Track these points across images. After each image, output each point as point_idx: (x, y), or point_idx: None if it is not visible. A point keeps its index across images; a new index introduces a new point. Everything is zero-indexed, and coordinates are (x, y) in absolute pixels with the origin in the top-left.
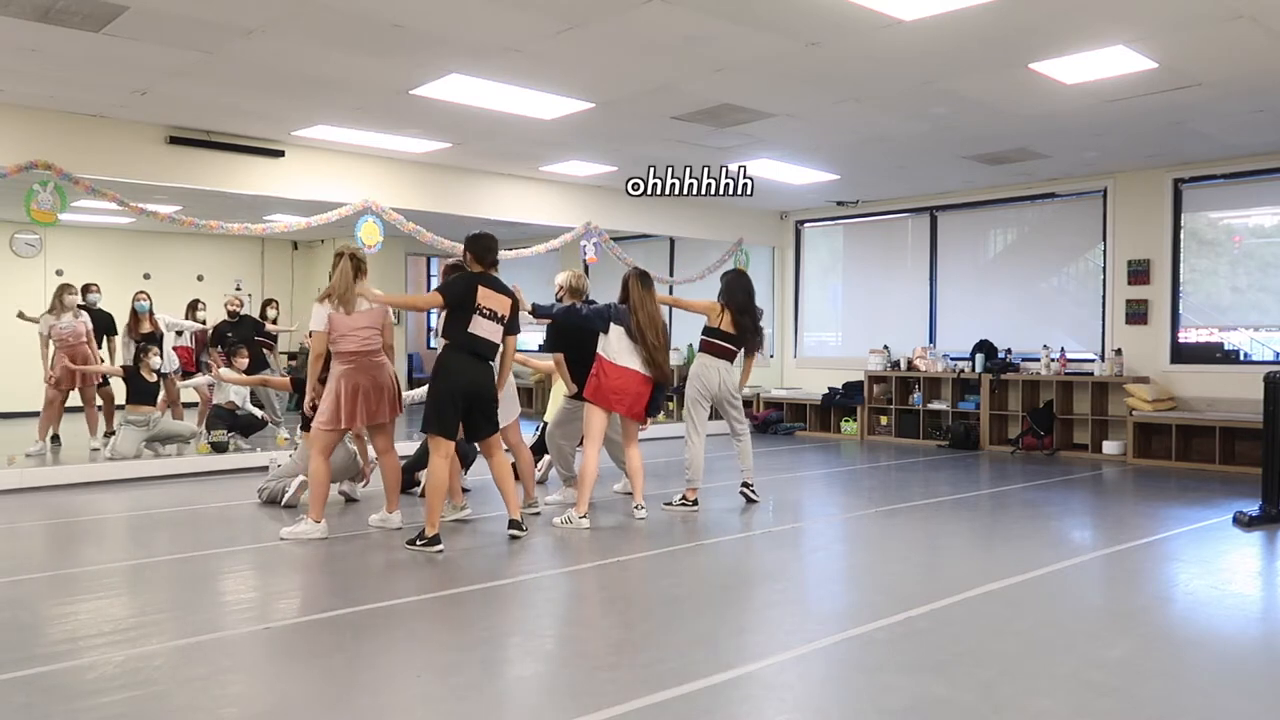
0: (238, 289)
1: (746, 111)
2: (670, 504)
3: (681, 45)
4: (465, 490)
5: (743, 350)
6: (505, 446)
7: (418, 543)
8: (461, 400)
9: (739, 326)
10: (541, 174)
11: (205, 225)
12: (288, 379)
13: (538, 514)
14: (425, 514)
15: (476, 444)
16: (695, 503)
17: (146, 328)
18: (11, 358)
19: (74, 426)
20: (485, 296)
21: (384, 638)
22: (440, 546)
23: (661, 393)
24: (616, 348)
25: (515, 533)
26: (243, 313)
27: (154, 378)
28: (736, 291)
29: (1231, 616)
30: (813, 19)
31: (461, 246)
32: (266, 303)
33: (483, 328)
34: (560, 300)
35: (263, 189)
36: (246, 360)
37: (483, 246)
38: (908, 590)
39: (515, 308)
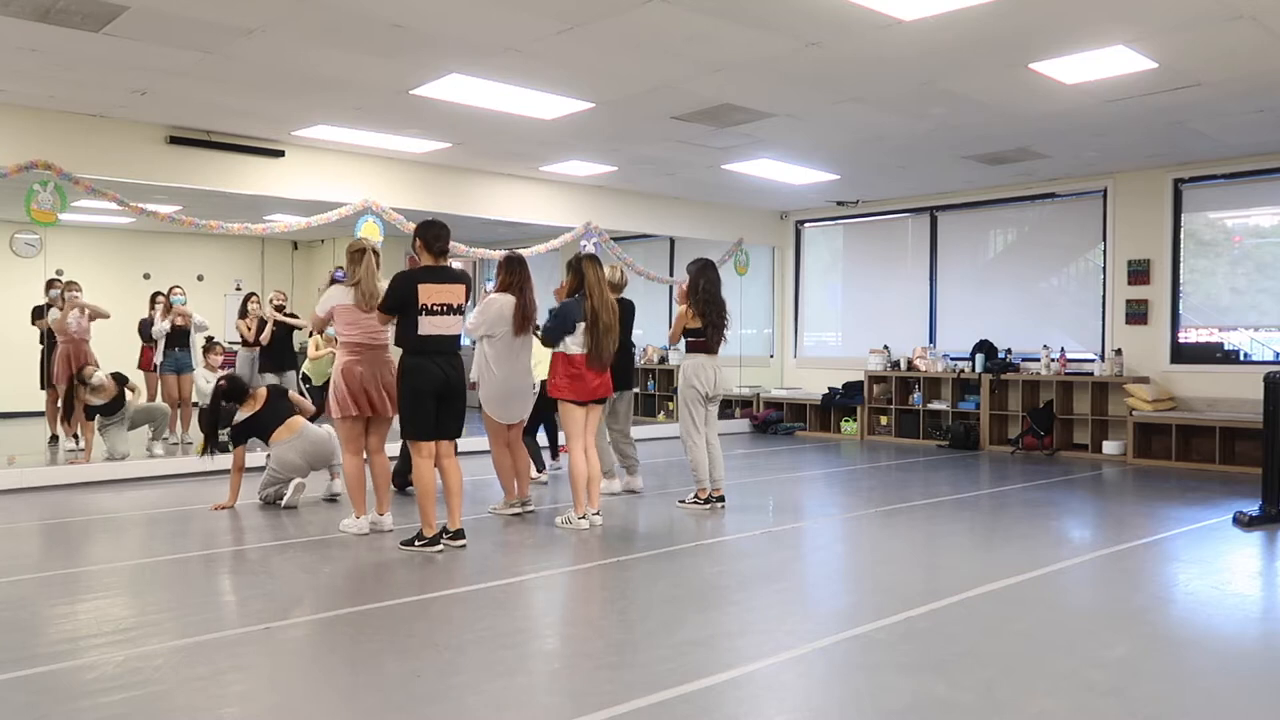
0: (237, 288)
1: (746, 111)
2: (684, 502)
3: (681, 45)
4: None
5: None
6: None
7: (416, 543)
8: (432, 399)
9: (705, 320)
10: (541, 174)
11: (205, 225)
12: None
13: (532, 512)
14: (420, 515)
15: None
16: (709, 500)
17: (179, 322)
18: (10, 358)
19: None
20: (432, 293)
21: (384, 638)
22: (440, 546)
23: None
24: (577, 339)
25: (458, 544)
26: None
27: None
28: (704, 287)
29: (1231, 616)
30: (813, 19)
31: (461, 245)
32: (249, 297)
33: (435, 325)
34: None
35: (263, 189)
36: (221, 357)
37: (432, 234)
38: (908, 590)
39: (470, 292)
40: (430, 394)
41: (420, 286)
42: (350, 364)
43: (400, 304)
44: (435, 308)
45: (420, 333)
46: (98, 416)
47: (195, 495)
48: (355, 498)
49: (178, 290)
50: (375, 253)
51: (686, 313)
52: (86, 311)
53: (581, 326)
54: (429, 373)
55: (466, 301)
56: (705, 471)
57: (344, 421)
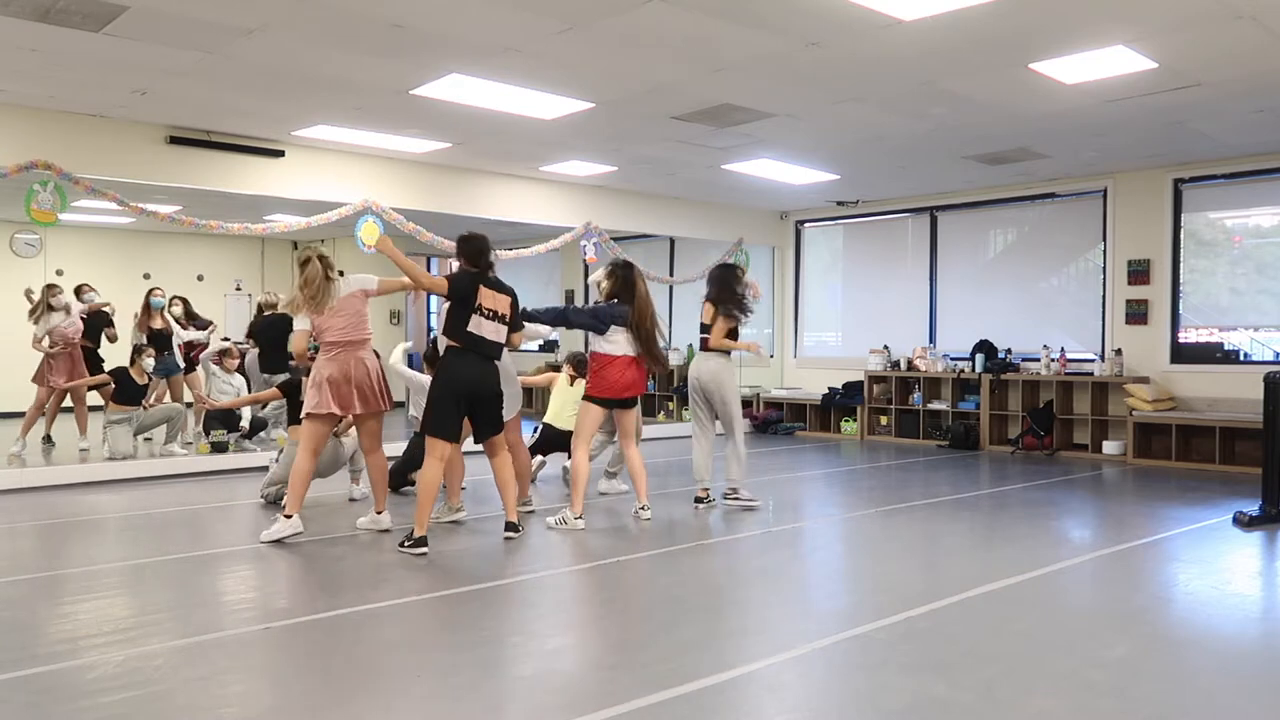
0: (238, 289)
1: (746, 111)
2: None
3: (681, 45)
4: (462, 488)
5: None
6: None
7: (405, 544)
8: (463, 402)
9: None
10: (541, 174)
11: (205, 225)
12: (276, 390)
13: (532, 512)
14: (416, 514)
15: (479, 443)
16: (709, 500)
17: (159, 324)
18: (10, 358)
19: (69, 426)
20: (486, 297)
21: (383, 638)
22: (424, 549)
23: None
24: (612, 340)
25: (510, 534)
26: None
27: (144, 380)
28: (719, 285)
29: (1231, 616)
30: (813, 19)
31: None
32: (173, 300)
33: (484, 328)
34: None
35: (263, 189)
36: (237, 360)
37: (475, 249)
38: (908, 590)
39: (516, 305)
40: (459, 396)
41: (481, 288)
42: (333, 359)
43: (464, 294)
44: (488, 311)
45: (470, 330)
46: (108, 410)
47: (195, 495)
48: (295, 494)
49: (158, 292)
50: (322, 258)
51: (710, 308)
52: (71, 316)
53: (621, 330)
54: (462, 373)
55: (510, 316)
56: (704, 471)
57: (319, 420)
